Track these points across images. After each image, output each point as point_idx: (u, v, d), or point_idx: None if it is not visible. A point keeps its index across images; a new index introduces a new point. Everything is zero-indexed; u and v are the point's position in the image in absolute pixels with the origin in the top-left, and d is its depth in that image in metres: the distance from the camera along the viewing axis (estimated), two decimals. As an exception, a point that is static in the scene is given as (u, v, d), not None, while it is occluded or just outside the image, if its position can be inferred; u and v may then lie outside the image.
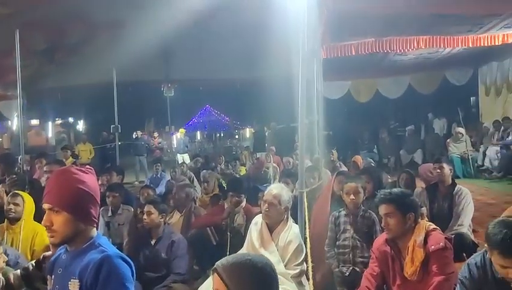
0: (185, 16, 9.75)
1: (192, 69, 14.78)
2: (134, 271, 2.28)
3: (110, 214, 6.27)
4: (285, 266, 3.89)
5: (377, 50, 10.92)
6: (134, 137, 18.72)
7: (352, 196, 4.41)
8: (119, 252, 2.32)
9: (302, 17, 4.63)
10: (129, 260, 2.28)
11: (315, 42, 9.25)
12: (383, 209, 3.55)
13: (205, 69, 14.61)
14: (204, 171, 9.67)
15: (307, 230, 4.11)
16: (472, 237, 5.48)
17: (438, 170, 5.79)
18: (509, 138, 12.33)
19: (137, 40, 10.74)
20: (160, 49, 13.24)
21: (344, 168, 9.33)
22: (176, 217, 5.98)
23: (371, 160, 12.32)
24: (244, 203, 5.32)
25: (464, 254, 4.77)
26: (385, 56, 12.77)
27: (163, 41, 11.78)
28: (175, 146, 21.92)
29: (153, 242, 4.89)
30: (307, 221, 4.14)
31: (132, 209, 6.26)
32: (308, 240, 4.02)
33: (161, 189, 9.36)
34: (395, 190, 3.68)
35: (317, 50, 9.90)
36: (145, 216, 4.90)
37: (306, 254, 4.04)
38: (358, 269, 4.27)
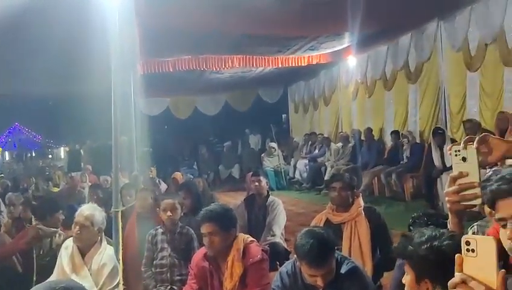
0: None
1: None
2: None
3: None
4: (99, 290, 3.69)
5: (193, 67, 11.12)
6: None
7: (169, 213, 4.33)
8: None
9: (114, 32, 4.50)
10: None
11: (132, 57, 9.09)
12: (206, 228, 3.46)
13: (13, 83, 13.43)
14: (10, 193, 8.86)
15: (120, 251, 3.95)
16: (285, 245, 5.76)
17: (256, 183, 6.00)
18: (316, 151, 13.39)
19: None
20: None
21: (164, 185, 9.26)
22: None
23: (192, 176, 12.43)
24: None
25: (277, 263, 4.98)
26: (202, 74, 13.03)
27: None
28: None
29: None
30: (120, 241, 3.97)
31: None
32: (121, 261, 3.86)
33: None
34: (216, 207, 3.63)
35: (134, 66, 9.74)
36: None
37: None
38: (176, 288, 4.21)
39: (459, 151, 1.69)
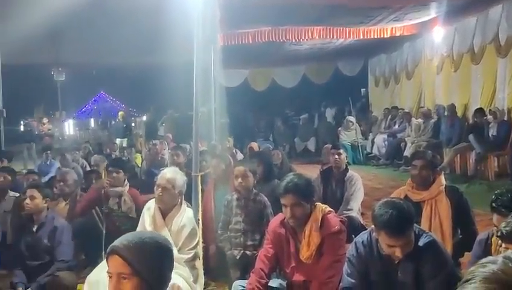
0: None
1: (84, 52, 14.07)
2: None
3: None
4: (178, 250, 3.82)
5: (273, 39, 11.08)
6: (22, 123, 17.62)
7: (240, 180, 4.43)
8: None
9: (197, 3, 4.57)
10: None
11: (212, 29, 9.19)
12: (288, 199, 3.43)
13: (98, 53, 13.97)
14: (95, 155, 9.34)
15: (200, 213, 4.08)
16: (361, 219, 5.71)
17: (336, 156, 5.97)
18: (396, 126, 13.06)
19: (24, 20, 10.02)
20: (50, 30, 12.45)
21: (240, 155, 9.41)
22: (61, 206, 5.63)
23: (270, 146, 12.50)
24: (125, 184, 5.23)
25: (353, 236, 4.94)
26: (281, 45, 12.98)
27: (52, 22, 11.10)
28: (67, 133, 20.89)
29: (34, 228, 4.58)
30: (200, 204, 4.10)
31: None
32: (200, 223, 4.00)
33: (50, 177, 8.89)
34: (297, 178, 3.56)
35: (214, 37, 9.84)
36: (27, 200, 4.55)
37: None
38: (248, 252, 4.33)
39: None
